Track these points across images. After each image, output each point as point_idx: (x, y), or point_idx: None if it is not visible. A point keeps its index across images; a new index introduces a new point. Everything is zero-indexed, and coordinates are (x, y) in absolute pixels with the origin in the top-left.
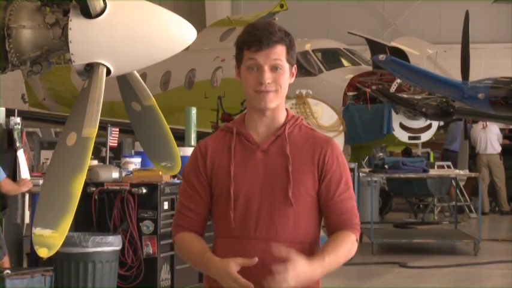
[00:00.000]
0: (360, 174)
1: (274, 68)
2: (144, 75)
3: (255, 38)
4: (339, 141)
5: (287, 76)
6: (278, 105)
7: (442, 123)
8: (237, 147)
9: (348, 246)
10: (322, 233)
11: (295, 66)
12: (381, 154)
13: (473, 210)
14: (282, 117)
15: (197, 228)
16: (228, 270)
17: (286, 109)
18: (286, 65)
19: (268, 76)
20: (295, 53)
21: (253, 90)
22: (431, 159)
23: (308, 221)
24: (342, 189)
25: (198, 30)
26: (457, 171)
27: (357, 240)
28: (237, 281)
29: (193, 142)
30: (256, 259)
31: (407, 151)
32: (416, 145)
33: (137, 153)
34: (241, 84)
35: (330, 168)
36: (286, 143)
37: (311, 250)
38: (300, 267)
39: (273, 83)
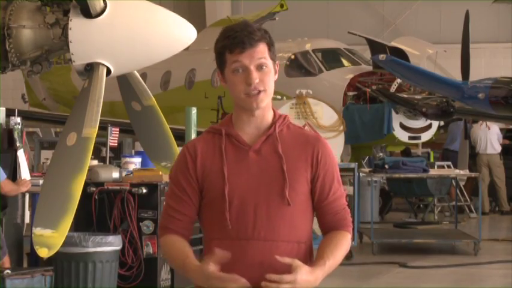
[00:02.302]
0: (360, 174)
1: (260, 67)
2: (144, 75)
3: (236, 40)
4: (339, 141)
5: (272, 74)
6: (267, 103)
7: (442, 123)
8: (228, 148)
9: (344, 247)
10: (320, 233)
11: (277, 62)
12: (381, 154)
13: (473, 210)
14: (270, 116)
15: (185, 231)
16: (208, 273)
17: (273, 108)
18: (270, 62)
19: (255, 76)
20: (275, 49)
21: (244, 93)
22: (431, 159)
23: (303, 219)
24: (335, 188)
25: (198, 30)
26: (457, 171)
27: (351, 237)
28: (222, 279)
29: None
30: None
31: (406, 151)
32: (416, 145)
33: (137, 153)
34: (227, 88)
35: (323, 168)
36: (278, 142)
37: (307, 249)
38: (302, 277)
39: (261, 82)
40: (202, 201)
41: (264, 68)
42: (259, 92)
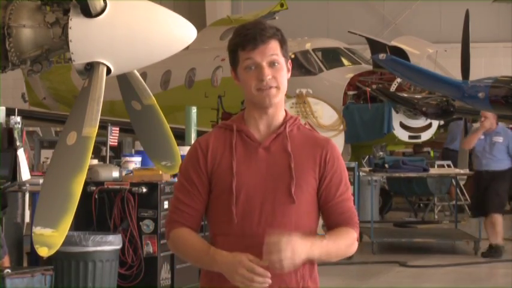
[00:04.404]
0: (360, 173)
1: (272, 64)
2: (144, 75)
3: (248, 37)
4: (339, 140)
5: (285, 71)
6: (279, 101)
7: (442, 122)
8: (238, 144)
9: (348, 240)
10: (322, 232)
11: (290, 61)
12: (381, 153)
13: None
14: (281, 116)
15: (194, 225)
16: (241, 260)
17: (285, 109)
18: (282, 60)
19: (268, 72)
20: (288, 47)
21: (256, 89)
22: (432, 158)
23: (309, 218)
24: (342, 190)
25: (198, 30)
26: (457, 170)
27: (357, 239)
28: (253, 270)
29: (193, 141)
30: (268, 275)
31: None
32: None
33: (137, 153)
34: (240, 86)
35: (330, 169)
36: (287, 141)
37: None
38: (295, 245)
39: (273, 78)
40: (210, 195)
41: (276, 65)
42: (272, 87)
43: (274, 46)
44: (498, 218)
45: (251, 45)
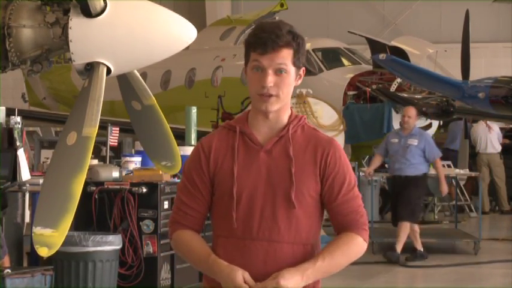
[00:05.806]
0: (360, 173)
1: (279, 71)
2: (144, 75)
3: (261, 40)
4: (339, 140)
5: (292, 80)
6: (281, 107)
7: (442, 122)
8: (240, 147)
9: (350, 248)
10: (322, 232)
11: (304, 68)
12: None
13: (473, 209)
14: (285, 117)
15: (196, 226)
16: (234, 279)
17: (290, 108)
18: (291, 69)
19: (270, 80)
20: (303, 55)
21: (256, 93)
22: None
23: (310, 222)
24: (346, 190)
25: (198, 30)
26: (457, 170)
27: (365, 239)
28: None
29: (193, 141)
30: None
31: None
32: None
33: (137, 153)
34: (247, 82)
35: (332, 170)
36: (289, 144)
37: (313, 251)
38: (284, 278)
39: (275, 86)
40: (213, 197)
41: (283, 73)
42: (271, 96)
43: (285, 55)
44: (406, 225)
45: (261, 50)
